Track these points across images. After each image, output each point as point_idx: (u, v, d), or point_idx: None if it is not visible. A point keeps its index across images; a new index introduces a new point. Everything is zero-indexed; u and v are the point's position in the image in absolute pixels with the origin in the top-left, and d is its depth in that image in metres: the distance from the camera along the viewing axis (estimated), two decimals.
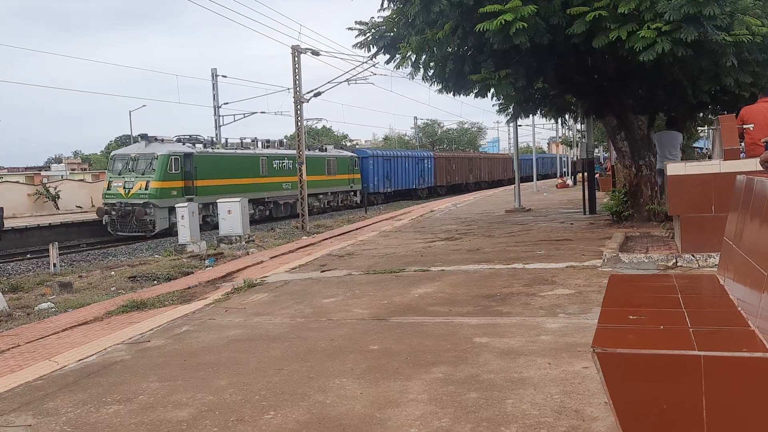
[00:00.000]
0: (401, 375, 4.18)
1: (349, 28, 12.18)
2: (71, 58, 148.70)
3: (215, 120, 37.94)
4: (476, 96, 12.24)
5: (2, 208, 17.07)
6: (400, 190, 44.47)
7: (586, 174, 16.39)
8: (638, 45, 8.77)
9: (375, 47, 12.02)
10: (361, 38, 12.06)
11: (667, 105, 13.16)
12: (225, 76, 45.70)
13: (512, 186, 36.39)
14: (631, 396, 2.16)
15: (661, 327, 2.44)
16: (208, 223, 25.70)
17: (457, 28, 10.04)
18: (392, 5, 11.29)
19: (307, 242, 14.68)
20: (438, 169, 49.88)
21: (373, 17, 12.19)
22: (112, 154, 28.92)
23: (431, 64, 11.49)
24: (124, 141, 51.33)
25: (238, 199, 19.77)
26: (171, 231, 24.09)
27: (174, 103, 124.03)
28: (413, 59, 11.42)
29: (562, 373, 4.02)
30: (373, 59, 13.66)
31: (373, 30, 11.92)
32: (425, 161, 48.62)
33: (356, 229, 17.23)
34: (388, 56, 12.22)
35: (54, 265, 15.59)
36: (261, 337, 5.43)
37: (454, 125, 78.21)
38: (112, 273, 14.09)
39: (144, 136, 26.99)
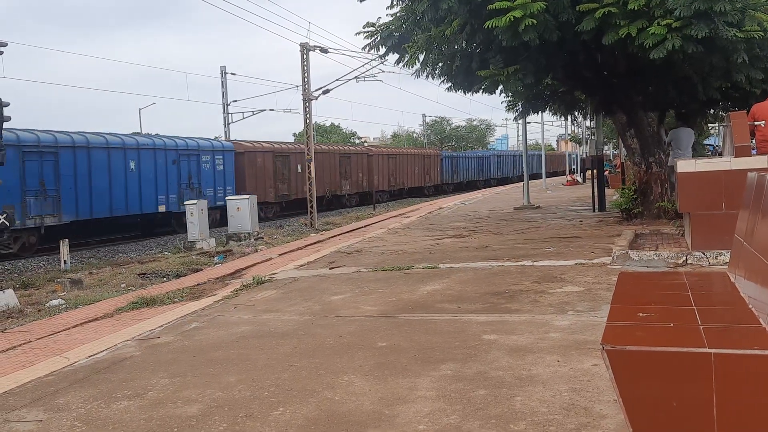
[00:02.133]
0: (410, 372, 4.18)
1: (358, 33, 12.19)
2: (81, 55, 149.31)
3: (224, 117, 38.06)
4: (484, 92, 12.20)
5: (14, 205, 17.06)
6: (113, 218, 21.38)
7: (595, 171, 16.33)
8: (648, 42, 8.72)
9: (384, 48, 12.03)
10: (369, 40, 12.07)
11: (678, 102, 13.09)
12: (234, 74, 45.41)
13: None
14: (641, 393, 2.15)
15: (671, 324, 2.43)
16: None
17: (465, 25, 10.02)
18: (401, 2, 11.29)
19: (316, 239, 14.70)
20: (250, 172, 27.98)
21: (380, 17, 12.21)
22: None
23: (439, 62, 11.47)
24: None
25: (247, 196, 19.83)
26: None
27: (183, 100, 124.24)
28: (421, 58, 11.41)
29: (571, 370, 4.01)
30: (383, 60, 13.67)
31: (381, 30, 11.92)
32: (206, 158, 25.12)
33: (365, 226, 17.24)
34: (397, 56, 12.22)
35: (64, 262, 15.68)
36: (270, 333, 5.45)
37: (463, 122, 78.12)
38: (122, 270, 14.17)
39: None
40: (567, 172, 48.95)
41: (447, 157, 50.36)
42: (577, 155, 48.24)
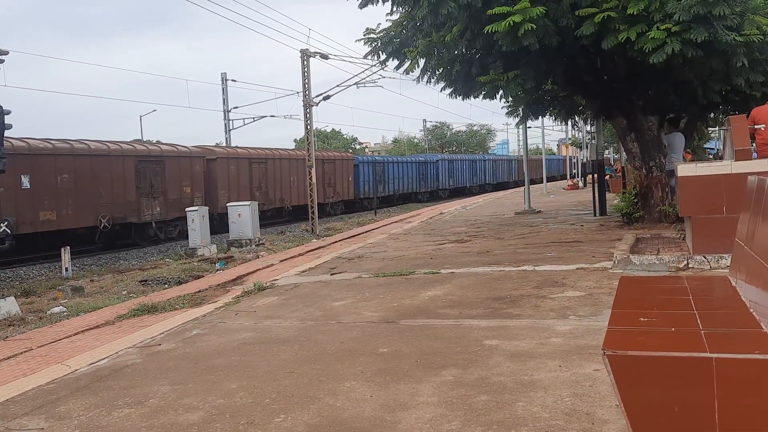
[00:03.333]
0: (411, 378, 4.17)
1: (358, 40, 12.24)
2: (82, 63, 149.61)
3: (225, 124, 38.14)
4: (485, 98, 12.20)
5: (8, 220, 16.77)
6: None
7: (596, 175, 16.33)
8: (648, 46, 8.73)
9: (384, 54, 12.06)
10: (369, 47, 12.10)
11: (678, 106, 13.10)
12: (235, 80, 45.34)
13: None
14: (643, 398, 2.15)
15: (672, 329, 2.43)
16: None
17: (465, 31, 10.04)
18: (400, 9, 11.32)
19: (317, 245, 14.70)
20: None
21: (379, 23, 12.25)
22: None
23: (439, 68, 11.49)
24: None
25: (249, 203, 19.87)
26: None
27: (184, 107, 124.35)
28: (421, 63, 11.43)
29: (572, 375, 4.00)
30: (383, 66, 13.70)
31: (381, 36, 11.95)
32: None
33: (366, 231, 17.24)
34: (397, 62, 12.25)
35: (66, 269, 15.69)
36: (271, 340, 5.44)
37: (463, 127, 78.21)
38: (124, 277, 14.18)
39: None
40: (568, 176, 48.38)
41: (366, 163, 38.88)
42: (578, 159, 48.11)
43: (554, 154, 72.26)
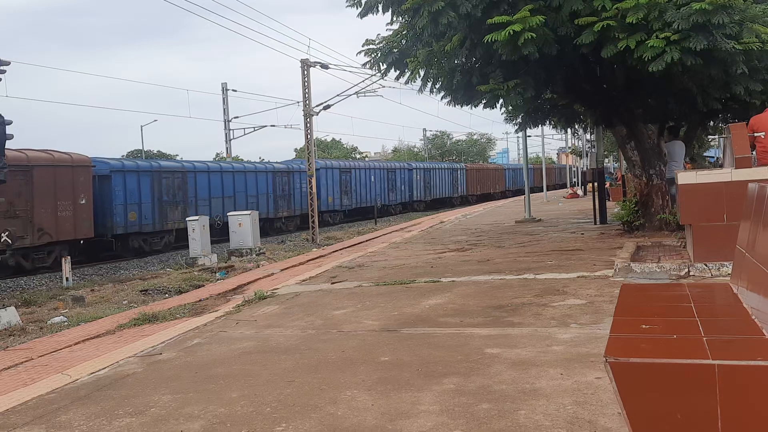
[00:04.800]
0: (412, 386, 4.16)
1: (359, 53, 12.27)
2: (83, 74, 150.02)
3: (225, 134, 38.21)
4: (485, 107, 12.23)
5: (9, 230, 16.63)
6: None
7: (596, 184, 16.34)
8: (647, 54, 8.76)
9: (384, 64, 12.09)
10: (369, 58, 12.13)
11: (677, 114, 13.12)
12: (235, 90, 45.42)
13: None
14: (645, 406, 2.15)
15: (674, 336, 2.42)
16: None
17: (465, 40, 10.07)
18: (400, 19, 11.36)
19: (318, 254, 14.70)
20: None
21: (379, 33, 12.29)
22: None
23: (440, 77, 11.52)
24: (136, 156, 51.65)
25: (249, 212, 19.88)
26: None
27: (185, 117, 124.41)
28: (422, 73, 11.46)
29: (574, 383, 3.99)
30: (383, 76, 13.71)
31: (381, 47, 11.99)
32: None
33: (366, 240, 17.23)
34: (398, 72, 12.28)
35: (66, 279, 15.67)
36: (272, 349, 5.43)
37: (463, 136, 78.32)
38: (124, 286, 14.16)
39: None
40: (568, 185, 48.29)
41: (140, 172, 21.81)
42: (578, 168, 48.09)
43: (554, 162, 72.19)
